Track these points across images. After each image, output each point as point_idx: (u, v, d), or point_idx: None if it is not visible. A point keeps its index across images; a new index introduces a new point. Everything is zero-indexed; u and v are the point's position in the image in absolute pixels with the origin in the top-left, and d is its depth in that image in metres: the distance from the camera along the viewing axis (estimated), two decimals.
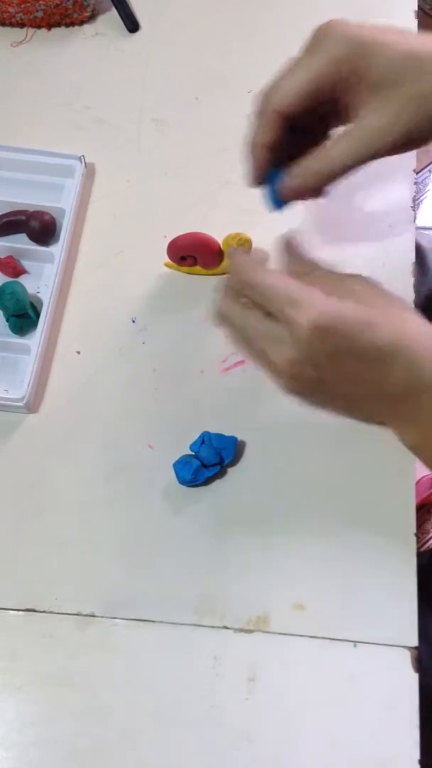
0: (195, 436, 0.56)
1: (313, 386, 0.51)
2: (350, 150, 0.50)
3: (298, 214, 0.64)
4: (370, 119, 0.49)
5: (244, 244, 0.61)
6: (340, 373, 0.49)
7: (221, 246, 0.61)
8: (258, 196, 0.59)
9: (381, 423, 0.54)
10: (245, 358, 0.56)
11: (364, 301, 0.49)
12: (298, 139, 0.53)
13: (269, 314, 0.50)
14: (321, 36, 0.49)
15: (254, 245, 0.61)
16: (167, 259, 0.62)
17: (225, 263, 0.61)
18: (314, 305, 0.48)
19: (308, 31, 0.69)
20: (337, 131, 0.51)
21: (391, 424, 0.53)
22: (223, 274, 0.63)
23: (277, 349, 0.49)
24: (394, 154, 0.51)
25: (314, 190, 0.52)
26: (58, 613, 0.53)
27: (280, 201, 0.54)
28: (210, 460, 0.55)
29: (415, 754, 0.50)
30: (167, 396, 0.59)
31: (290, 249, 0.55)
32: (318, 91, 0.49)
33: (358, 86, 0.49)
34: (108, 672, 0.52)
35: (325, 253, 0.62)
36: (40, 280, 0.63)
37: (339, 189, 0.68)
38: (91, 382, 0.59)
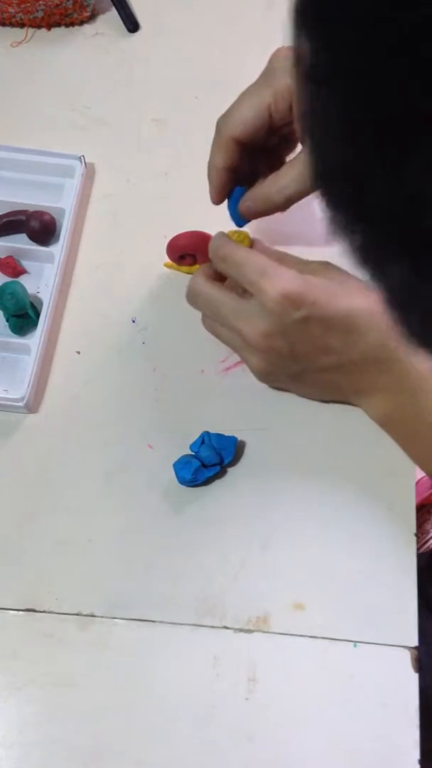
0: (195, 436, 0.56)
1: (285, 361, 0.53)
2: (297, 179, 0.52)
3: (298, 214, 0.64)
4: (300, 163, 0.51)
5: (242, 241, 0.60)
6: (310, 342, 0.52)
7: None
8: None
9: (349, 399, 0.57)
10: (215, 336, 0.58)
11: (331, 279, 0.53)
12: (267, 158, 0.55)
13: (243, 293, 0.53)
14: (274, 65, 0.51)
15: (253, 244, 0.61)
16: (167, 260, 0.62)
17: None
18: (283, 276, 0.51)
19: None
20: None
21: (359, 396, 0.55)
22: None
23: (250, 323, 0.52)
24: None
25: (268, 212, 0.55)
26: (58, 613, 0.53)
27: (241, 218, 0.57)
28: (210, 460, 0.55)
29: (415, 754, 0.50)
30: (167, 396, 0.59)
31: (258, 248, 0.58)
32: (270, 119, 0.51)
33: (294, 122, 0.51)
34: (108, 672, 0.52)
35: (325, 252, 0.62)
36: (40, 280, 0.63)
37: None
38: (91, 382, 0.59)
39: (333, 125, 0.22)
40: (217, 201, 0.56)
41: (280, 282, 0.50)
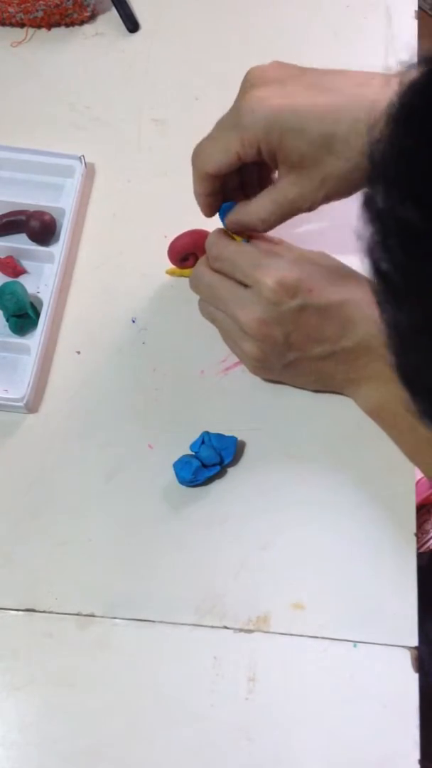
0: (195, 436, 0.56)
1: (279, 349, 0.54)
2: (270, 211, 0.53)
3: (300, 216, 0.65)
4: (289, 190, 0.52)
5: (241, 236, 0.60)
6: (305, 330, 0.53)
7: None
8: None
9: (341, 389, 0.58)
10: (212, 322, 0.58)
11: (326, 267, 0.54)
12: (257, 169, 0.56)
13: (240, 284, 0.54)
14: (244, 110, 0.51)
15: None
16: (169, 266, 0.62)
17: None
18: (279, 266, 0.53)
19: (308, 31, 0.69)
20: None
21: (350, 385, 0.56)
22: None
23: (247, 311, 0.53)
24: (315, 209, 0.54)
25: (247, 231, 0.56)
26: (58, 613, 0.53)
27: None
28: (210, 460, 0.55)
29: (415, 754, 0.50)
30: (167, 396, 0.59)
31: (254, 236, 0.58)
32: (241, 161, 0.52)
33: (277, 161, 0.52)
34: (108, 672, 0.52)
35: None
36: (40, 280, 0.63)
37: None
38: (91, 382, 0.59)
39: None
40: (208, 215, 0.57)
41: (276, 271, 0.52)
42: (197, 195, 0.56)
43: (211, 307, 0.57)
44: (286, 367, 0.56)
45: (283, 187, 0.52)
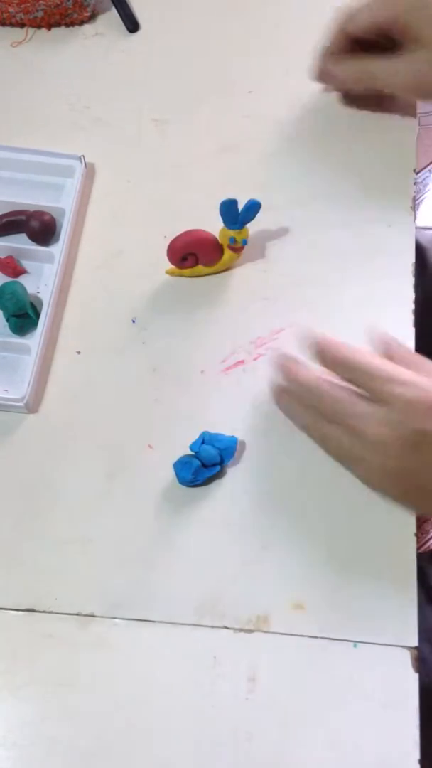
0: (195, 436, 0.56)
1: (405, 471, 0.49)
2: (373, 70, 0.62)
3: (300, 217, 0.65)
4: (402, 61, 0.60)
5: (243, 234, 0.60)
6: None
7: (218, 239, 0.61)
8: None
9: None
10: (311, 437, 0.53)
11: None
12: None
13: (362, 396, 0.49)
14: None
15: (250, 237, 0.61)
16: (168, 266, 0.62)
17: (225, 257, 0.61)
18: (415, 383, 0.47)
19: (307, 31, 0.69)
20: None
21: None
22: (225, 269, 0.63)
23: (375, 427, 0.47)
24: (405, 96, 0.65)
25: (346, 82, 0.66)
26: (58, 613, 0.53)
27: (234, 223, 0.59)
28: (210, 460, 0.55)
29: (415, 754, 0.50)
30: (167, 396, 0.59)
31: (384, 341, 0.53)
32: (379, 29, 0.61)
33: (407, 35, 0.60)
34: (108, 672, 0.52)
35: (325, 253, 0.62)
36: (40, 280, 0.63)
37: (339, 189, 0.68)
38: (91, 382, 0.59)
39: None
40: (317, 78, 0.67)
41: (413, 389, 0.47)
42: (322, 54, 0.64)
43: (313, 417, 0.52)
44: (409, 492, 0.52)
45: (399, 55, 0.60)
